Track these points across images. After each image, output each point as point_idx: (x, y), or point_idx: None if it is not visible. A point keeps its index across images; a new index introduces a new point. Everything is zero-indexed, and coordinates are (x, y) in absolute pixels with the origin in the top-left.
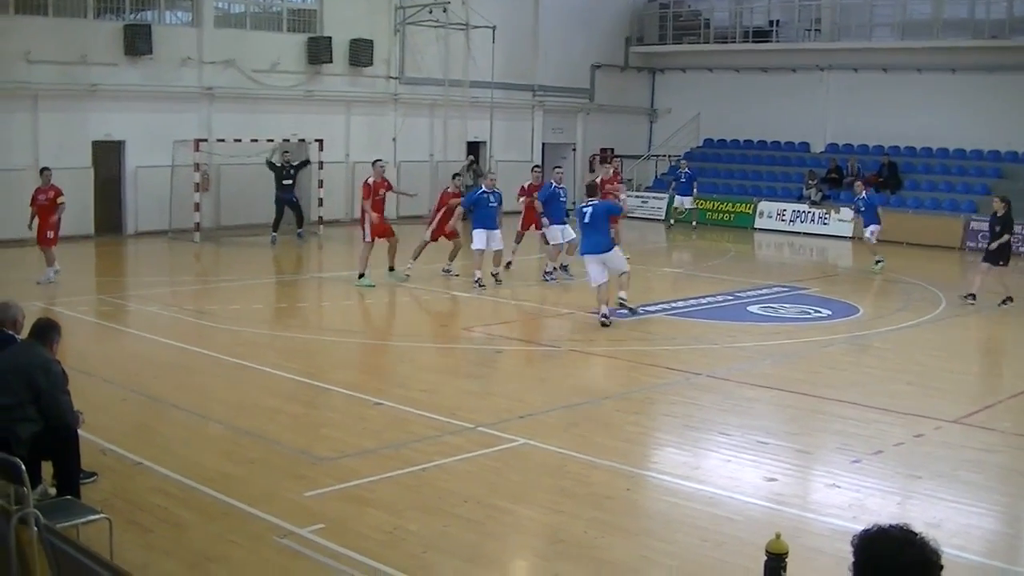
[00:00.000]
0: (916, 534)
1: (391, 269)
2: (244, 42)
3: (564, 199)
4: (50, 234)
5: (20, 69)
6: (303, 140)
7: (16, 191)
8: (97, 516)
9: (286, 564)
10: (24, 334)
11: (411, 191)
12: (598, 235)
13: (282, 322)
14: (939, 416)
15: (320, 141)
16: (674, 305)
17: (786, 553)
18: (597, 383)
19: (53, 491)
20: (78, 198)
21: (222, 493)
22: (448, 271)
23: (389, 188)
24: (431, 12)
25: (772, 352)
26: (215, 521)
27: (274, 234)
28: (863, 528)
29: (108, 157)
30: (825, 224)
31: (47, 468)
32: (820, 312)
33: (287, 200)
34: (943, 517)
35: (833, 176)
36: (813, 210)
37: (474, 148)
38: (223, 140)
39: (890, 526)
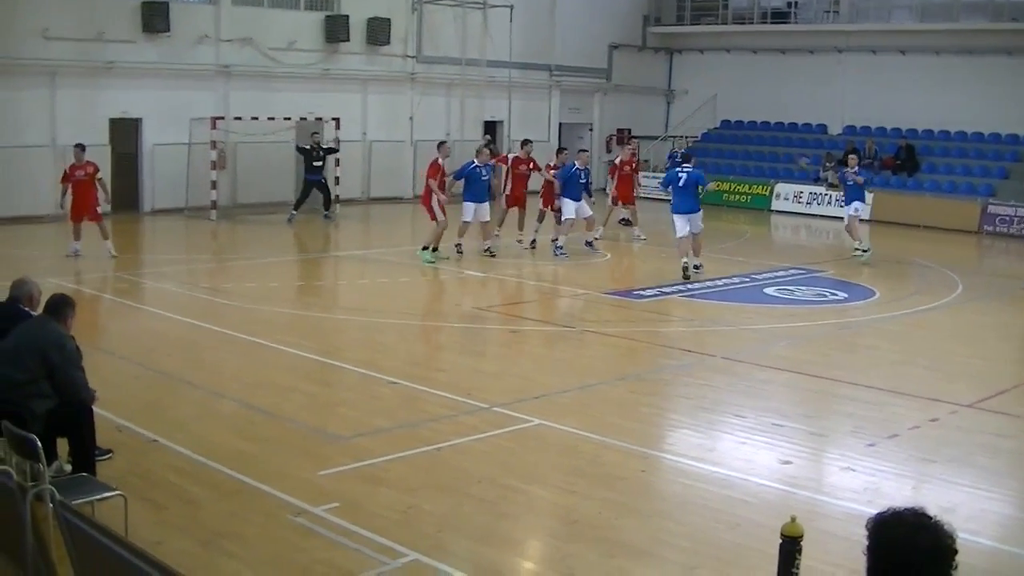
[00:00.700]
0: (930, 518)
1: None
2: (261, 20)
3: (584, 180)
4: (98, 208)
5: (37, 46)
6: (320, 119)
7: (34, 168)
8: (112, 493)
9: (299, 542)
10: (40, 311)
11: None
12: (690, 198)
13: (298, 300)
14: (955, 400)
15: (337, 120)
16: (690, 287)
17: (801, 536)
18: (612, 364)
19: (69, 468)
20: None
21: (236, 471)
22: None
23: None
24: None
25: (787, 334)
26: (229, 499)
27: (293, 212)
28: (877, 512)
29: (125, 135)
30: (842, 207)
31: (63, 445)
32: (836, 295)
33: (315, 182)
34: (958, 501)
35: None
36: (830, 192)
37: (491, 128)
38: (240, 118)
39: (904, 510)
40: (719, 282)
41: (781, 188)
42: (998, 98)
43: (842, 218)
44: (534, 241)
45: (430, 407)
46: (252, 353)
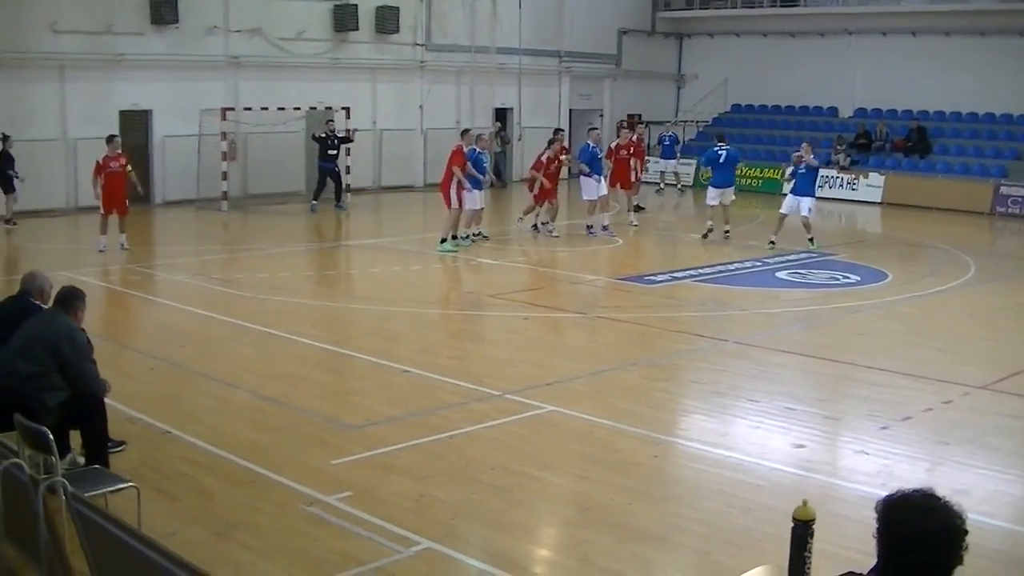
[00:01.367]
0: (939, 499)
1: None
2: (270, 10)
3: (601, 156)
4: (127, 202)
5: (47, 39)
6: (330, 108)
7: (45, 162)
8: (125, 485)
9: (312, 531)
10: (50, 304)
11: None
12: (729, 174)
13: (309, 290)
14: (968, 382)
15: (347, 109)
16: (702, 271)
17: (813, 520)
18: (624, 350)
19: (82, 460)
20: None
21: (249, 461)
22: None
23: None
24: None
25: (800, 318)
26: (242, 489)
27: (314, 202)
28: (886, 494)
29: (135, 127)
30: (854, 189)
31: (76, 438)
32: (848, 278)
33: (329, 170)
34: (972, 483)
35: (862, 142)
36: (841, 175)
37: (501, 115)
38: (250, 108)
39: (913, 491)
40: (731, 266)
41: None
42: (1010, 79)
43: (852, 201)
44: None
45: (442, 395)
46: (265, 343)
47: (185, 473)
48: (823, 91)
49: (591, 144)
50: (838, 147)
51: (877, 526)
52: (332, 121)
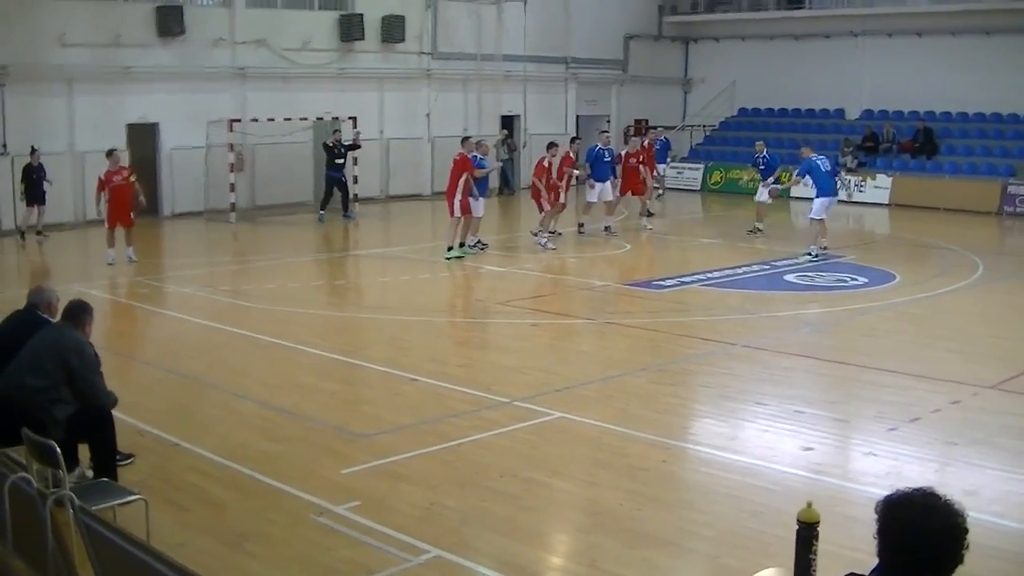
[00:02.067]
0: (939, 498)
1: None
2: (276, 21)
3: (609, 159)
4: (133, 214)
5: (54, 53)
6: (337, 118)
7: (53, 175)
8: (133, 497)
9: (323, 541)
10: (58, 318)
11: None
12: (834, 181)
13: (318, 300)
14: (977, 382)
15: (354, 119)
16: (710, 275)
17: (817, 522)
18: (633, 355)
19: (91, 474)
20: None
21: (258, 471)
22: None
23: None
24: None
25: (808, 321)
26: (252, 499)
27: (322, 212)
28: (886, 494)
29: (143, 139)
30: (861, 191)
31: (85, 452)
32: (856, 280)
33: (335, 180)
34: (981, 484)
35: (869, 144)
36: (849, 177)
37: (508, 122)
38: (256, 120)
39: (913, 491)
40: (739, 270)
41: None
42: (1016, 79)
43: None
44: (560, 233)
45: (452, 403)
46: (274, 354)
47: (195, 484)
48: (830, 93)
49: (599, 146)
50: (845, 149)
51: (878, 526)
52: (339, 131)
